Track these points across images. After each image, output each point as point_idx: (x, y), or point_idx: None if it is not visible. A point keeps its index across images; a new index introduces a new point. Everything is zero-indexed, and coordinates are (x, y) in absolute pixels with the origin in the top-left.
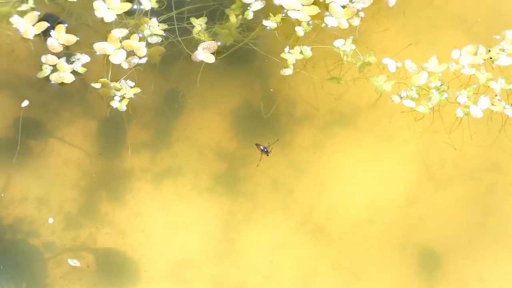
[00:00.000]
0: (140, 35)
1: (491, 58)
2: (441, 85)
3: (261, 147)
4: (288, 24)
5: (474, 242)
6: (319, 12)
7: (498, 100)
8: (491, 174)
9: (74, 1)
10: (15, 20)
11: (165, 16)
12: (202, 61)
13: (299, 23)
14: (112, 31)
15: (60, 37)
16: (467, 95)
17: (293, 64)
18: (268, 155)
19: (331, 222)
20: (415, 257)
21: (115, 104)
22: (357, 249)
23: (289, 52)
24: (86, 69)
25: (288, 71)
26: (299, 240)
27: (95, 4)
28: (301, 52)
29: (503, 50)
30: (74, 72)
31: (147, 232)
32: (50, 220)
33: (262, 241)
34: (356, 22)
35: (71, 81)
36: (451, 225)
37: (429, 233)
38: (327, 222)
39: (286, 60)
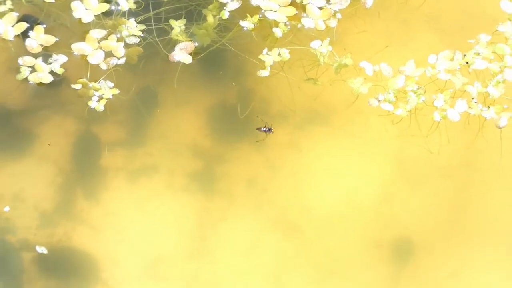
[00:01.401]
0: (118, 35)
1: (467, 62)
2: (417, 88)
3: (262, 128)
4: (265, 24)
5: (448, 239)
6: (296, 13)
7: (475, 102)
8: (468, 174)
9: (52, 2)
10: None
11: (142, 16)
12: (179, 62)
13: (276, 24)
14: (90, 31)
15: (38, 37)
16: (444, 99)
17: (270, 66)
18: (272, 132)
19: (306, 220)
20: (390, 254)
21: (93, 104)
22: (332, 247)
23: (267, 54)
24: (64, 70)
25: (265, 73)
26: (274, 237)
27: (73, 5)
28: (279, 54)
29: (478, 53)
30: (52, 73)
31: (122, 229)
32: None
33: (237, 239)
34: (333, 23)
35: (50, 82)
36: (426, 223)
37: (404, 231)
38: (302, 220)
39: (263, 61)
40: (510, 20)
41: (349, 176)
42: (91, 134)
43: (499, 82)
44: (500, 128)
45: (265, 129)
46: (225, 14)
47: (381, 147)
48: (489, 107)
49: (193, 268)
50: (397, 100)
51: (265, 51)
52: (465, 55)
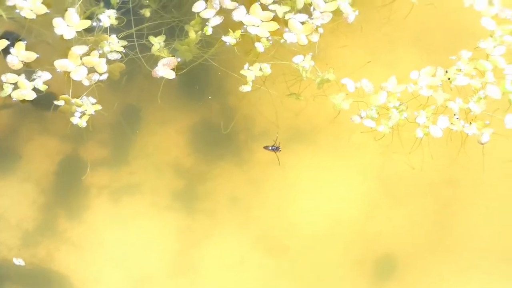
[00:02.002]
0: (100, 51)
1: (449, 79)
2: (399, 105)
3: (270, 147)
4: (248, 40)
5: (431, 257)
6: (278, 28)
7: (457, 119)
8: (451, 191)
9: (33, 19)
10: None
11: (124, 33)
12: (162, 77)
13: (258, 39)
14: (72, 48)
15: (19, 54)
16: (426, 115)
17: (252, 81)
18: (280, 150)
19: (290, 238)
20: (373, 271)
21: (75, 120)
22: (316, 264)
23: (248, 69)
24: (47, 86)
25: (246, 88)
26: (258, 255)
27: (54, 21)
28: (260, 69)
29: (460, 70)
30: (35, 89)
31: (106, 248)
32: None
33: (221, 257)
34: (315, 38)
35: (33, 98)
36: (409, 240)
37: (387, 248)
38: (286, 237)
39: (245, 76)
40: (491, 36)
41: (333, 193)
42: (74, 152)
43: (481, 98)
44: (482, 144)
45: (272, 147)
46: (209, 30)
47: (364, 164)
48: (471, 123)
49: (177, 287)
50: (379, 116)
51: (246, 66)
52: (447, 71)
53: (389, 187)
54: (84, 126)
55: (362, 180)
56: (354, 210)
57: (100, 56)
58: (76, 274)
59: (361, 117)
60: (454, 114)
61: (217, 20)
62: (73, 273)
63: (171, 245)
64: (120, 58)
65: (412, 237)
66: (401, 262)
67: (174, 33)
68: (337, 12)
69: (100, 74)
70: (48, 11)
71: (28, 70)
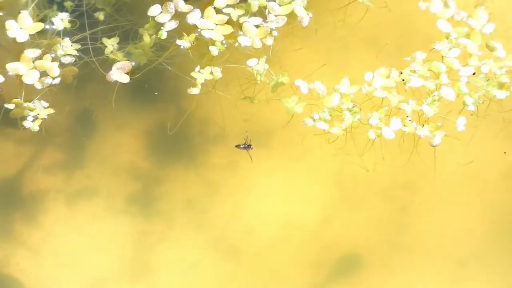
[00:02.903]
0: (53, 55)
1: (403, 80)
2: (353, 106)
3: (241, 145)
4: (202, 43)
5: (387, 261)
6: (233, 32)
7: (410, 121)
8: (403, 193)
9: None
10: None
11: (78, 36)
12: (116, 81)
13: (213, 42)
14: (25, 51)
15: None
16: (379, 117)
17: (202, 84)
18: (252, 148)
19: (246, 241)
20: (329, 273)
21: (27, 124)
22: (272, 268)
23: (199, 72)
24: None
25: (195, 90)
26: (214, 259)
27: (7, 24)
28: (211, 73)
29: (415, 71)
30: None
31: (62, 252)
32: None
33: (177, 261)
34: (269, 41)
35: None
36: (364, 244)
37: (343, 252)
38: (242, 241)
39: (195, 78)
40: (447, 38)
41: (288, 196)
42: (28, 156)
43: (435, 100)
44: (433, 146)
45: (244, 146)
46: (163, 35)
47: (318, 166)
48: (423, 125)
49: None
50: (332, 118)
51: (197, 68)
52: (401, 73)
53: (343, 189)
54: (37, 130)
55: (316, 182)
56: (309, 212)
57: (53, 59)
58: (31, 279)
59: (314, 120)
60: (407, 116)
61: (172, 25)
62: (28, 278)
63: (127, 248)
64: (74, 61)
65: (367, 239)
66: (356, 265)
67: (129, 36)
68: (291, 16)
69: (53, 78)
70: (1, 14)
71: None
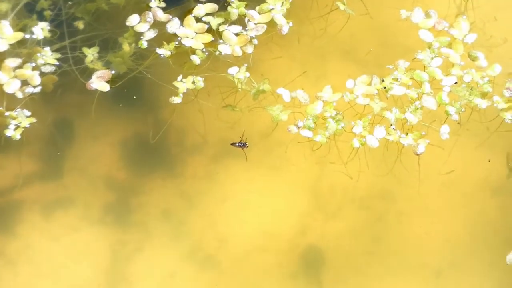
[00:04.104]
0: (34, 64)
1: (385, 88)
2: (336, 114)
3: (237, 143)
4: (182, 52)
5: (363, 271)
6: (213, 40)
7: (394, 129)
8: (383, 203)
9: None
10: None
11: (58, 45)
12: (96, 90)
13: (193, 51)
14: (5, 60)
15: None
16: (362, 125)
17: (184, 93)
18: (247, 147)
19: (223, 251)
20: (307, 284)
21: (9, 133)
22: (248, 278)
23: (181, 81)
24: None
25: (177, 99)
26: (191, 269)
27: None
28: (193, 82)
29: (397, 79)
30: None
31: (38, 263)
32: None
33: (153, 271)
34: (250, 49)
35: None
36: (341, 254)
37: (320, 262)
38: (219, 251)
39: (176, 87)
40: (429, 48)
41: (268, 206)
42: (7, 165)
43: (417, 109)
44: (417, 154)
45: (239, 144)
46: (143, 44)
47: (300, 175)
48: (407, 133)
49: None
50: (316, 126)
51: (179, 77)
52: (383, 80)
53: (326, 197)
54: (18, 139)
55: (298, 191)
56: (289, 221)
57: (34, 68)
58: None
59: (298, 127)
60: (391, 124)
61: (151, 34)
62: None
63: (104, 258)
64: (54, 70)
65: (345, 248)
66: (333, 276)
67: (108, 45)
68: (271, 24)
69: (34, 87)
70: None
71: None
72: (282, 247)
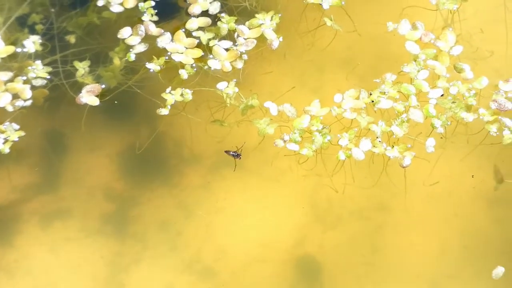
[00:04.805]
0: (25, 77)
1: (372, 101)
2: (322, 128)
3: (231, 152)
4: (172, 66)
5: (362, 282)
6: (202, 55)
7: (380, 142)
8: (374, 214)
9: None
10: None
11: (49, 59)
12: (86, 104)
13: (182, 65)
14: None
15: None
16: (348, 138)
17: (173, 106)
18: (240, 158)
19: (220, 262)
20: None
21: None
22: None
23: (170, 93)
24: None
25: (164, 111)
26: (188, 280)
27: None
28: (181, 95)
29: (384, 93)
30: None
31: (36, 273)
32: None
33: (151, 282)
34: (239, 64)
35: None
36: (339, 264)
37: (318, 273)
38: (216, 262)
39: (165, 100)
40: (415, 60)
41: (261, 218)
42: (4, 178)
43: (404, 121)
44: (403, 167)
45: (233, 153)
46: (131, 57)
47: (288, 188)
48: (393, 146)
49: None
50: (302, 140)
51: (168, 89)
52: (370, 94)
53: (315, 209)
54: (7, 152)
55: (288, 203)
56: (282, 233)
57: (25, 82)
58: None
59: (284, 141)
60: (377, 137)
61: (142, 48)
62: None
63: (101, 269)
64: (45, 84)
65: (340, 259)
66: (330, 284)
67: (99, 59)
68: (261, 39)
69: (25, 100)
70: None
71: None
72: (278, 257)
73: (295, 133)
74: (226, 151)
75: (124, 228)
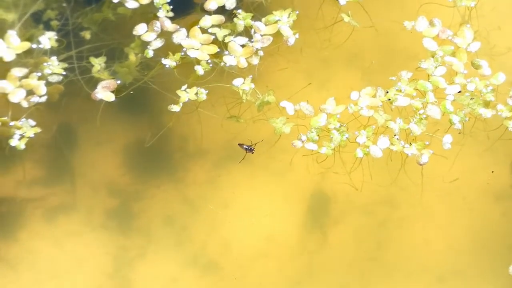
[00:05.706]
0: (40, 74)
1: (389, 99)
2: (340, 126)
3: (245, 146)
4: (188, 62)
5: (366, 277)
6: (218, 51)
7: (397, 139)
8: (388, 209)
9: None
10: None
11: (65, 55)
12: (102, 100)
13: (198, 61)
14: (12, 70)
15: None
16: (366, 135)
17: (188, 103)
18: (252, 152)
19: (226, 257)
20: None
21: (14, 142)
22: (251, 283)
23: (185, 91)
24: None
25: (176, 108)
26: (193, 274)
27: None
28: (196, 93)
29: (401, 90)
30: None
31: (40, 268)
32: None
33: (156, 276)
34: (255, 61)
35: None
36: (345, 259)
37: (323, 269)
38: (222, 256)
39: (179, 96)
40: (432, 57)
41: (267, 212)
42: (10, 172)
43: (422, 119)
44: (421, 165)
45: (247, 147)
46: (150, 53)
47: (304, 184)
48: (411, 144)
49: None
50: (320, 138)
51: (184, 86)
52: (387, 92)
53: (327, 206)
54: (23, 148)
55: (300, 199)
56: (291, 228)
57: (40, 78)
58: None
59: (302, 141)
60: (395, 135)
61: (158, 43)
62: None
63: (106, 264)
64: (61, 80)
65: (347, 254)
66: (336, 279)
67: (114, 55)
68: (277, 35)
69: (40, 96)
70: None
71: None
72: (285, 253)
73: (312, 132)
74: (239, 144)
75: (129, 223)
